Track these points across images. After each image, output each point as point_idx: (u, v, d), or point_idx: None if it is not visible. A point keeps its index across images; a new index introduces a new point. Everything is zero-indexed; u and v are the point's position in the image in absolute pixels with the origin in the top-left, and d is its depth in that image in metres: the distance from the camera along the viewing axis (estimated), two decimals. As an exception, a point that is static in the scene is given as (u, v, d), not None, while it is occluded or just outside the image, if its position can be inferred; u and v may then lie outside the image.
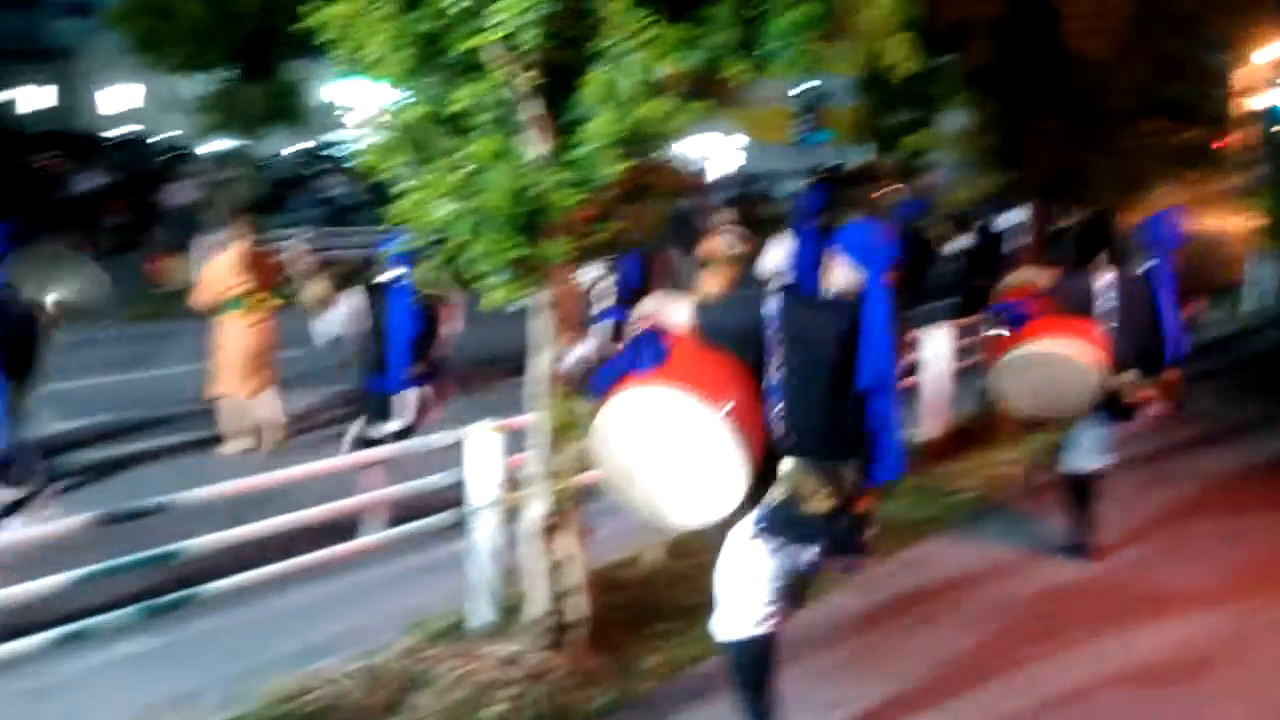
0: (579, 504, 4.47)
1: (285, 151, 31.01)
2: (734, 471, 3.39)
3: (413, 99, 4.00)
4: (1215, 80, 12.96)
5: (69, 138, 28.30)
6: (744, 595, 3.69)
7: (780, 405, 3.50)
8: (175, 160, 24.94)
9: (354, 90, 4.27)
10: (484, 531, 4.85)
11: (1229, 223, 13.98)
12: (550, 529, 4.39)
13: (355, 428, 6.38)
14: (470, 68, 3.89)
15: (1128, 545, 6.03)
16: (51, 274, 5.28)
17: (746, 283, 9.25)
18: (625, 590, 5.13)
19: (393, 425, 6.12)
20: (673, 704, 4.33)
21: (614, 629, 4.67)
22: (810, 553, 3.57)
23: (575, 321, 8.18)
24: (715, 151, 34.03)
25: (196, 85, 15.54)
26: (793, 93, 34.16)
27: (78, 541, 4.28)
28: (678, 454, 3.48)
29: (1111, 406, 5.46)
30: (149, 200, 20.87)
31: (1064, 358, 5.34)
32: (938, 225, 11.11)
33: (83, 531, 4.19)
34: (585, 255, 4.20)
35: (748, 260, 9.38)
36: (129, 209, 21.18)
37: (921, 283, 10.26)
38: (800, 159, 32.86)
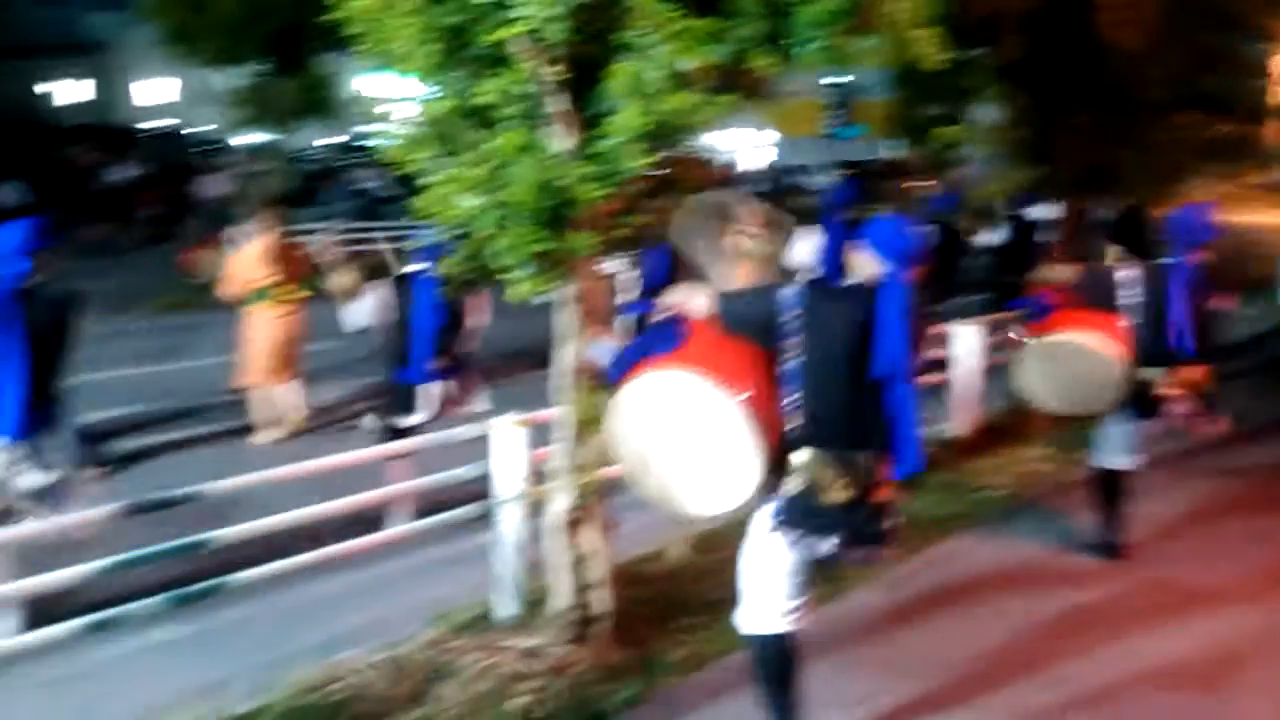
0: (603, 498, 4.47)
1: (317, 144, 31.27)
2: (749, 459, 3.36)
3: (439, 92, 4.01)
4: (1252, 72, 12.79)
5: (105, 130, 28.63)
6: (767, 589, 3.69)
7: (798, 394, 3.48)
8: (209, 153, 25.19)
9: (384, 84, 4.29)
10: (508, 524, 4.87)
11: (1265, 217, 13.78)
12: (574, 523, 4.40)
13: (368, 421, 6.43)
14: (496, 61, 3.89)
15: (1157, 543, 5.97)
16: None
17: (774, 275, 9.22)
18: (650, 584, 5.14)
19: (415, 418, 6.15)
20: (697, 699, 4.32)
21: (638, 623, 4.68)
22: (829, 543, 3.55)
23: (603, 315, 8.20)
24: (746, 145, 33.98)
25: (230, 79, 15.64)
26: (824, 85, 34.00)
27: (108, 530, 4.34)
28: (693, 440, 3.45)
29: (1138, 403, 5.40)
30: (183, 192, 21.12)
31: (1085, 349, 5.30)
32: (968, 219, 11.04)
33: (112, 520, 4.24)
34: (610, 249, 4.20)
35: (775, 253, 9.36)
36: (163, 201, 21.42)
37: (952, 277, 10.21)
38: (832, 153, 32.74)
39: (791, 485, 3.50)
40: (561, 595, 4.49)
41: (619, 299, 8.05)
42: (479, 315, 6.46)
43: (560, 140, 3.91)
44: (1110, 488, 5.79)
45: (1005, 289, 9.39)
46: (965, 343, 8.13)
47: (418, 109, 4.09)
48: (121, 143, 25.44)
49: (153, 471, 7.26)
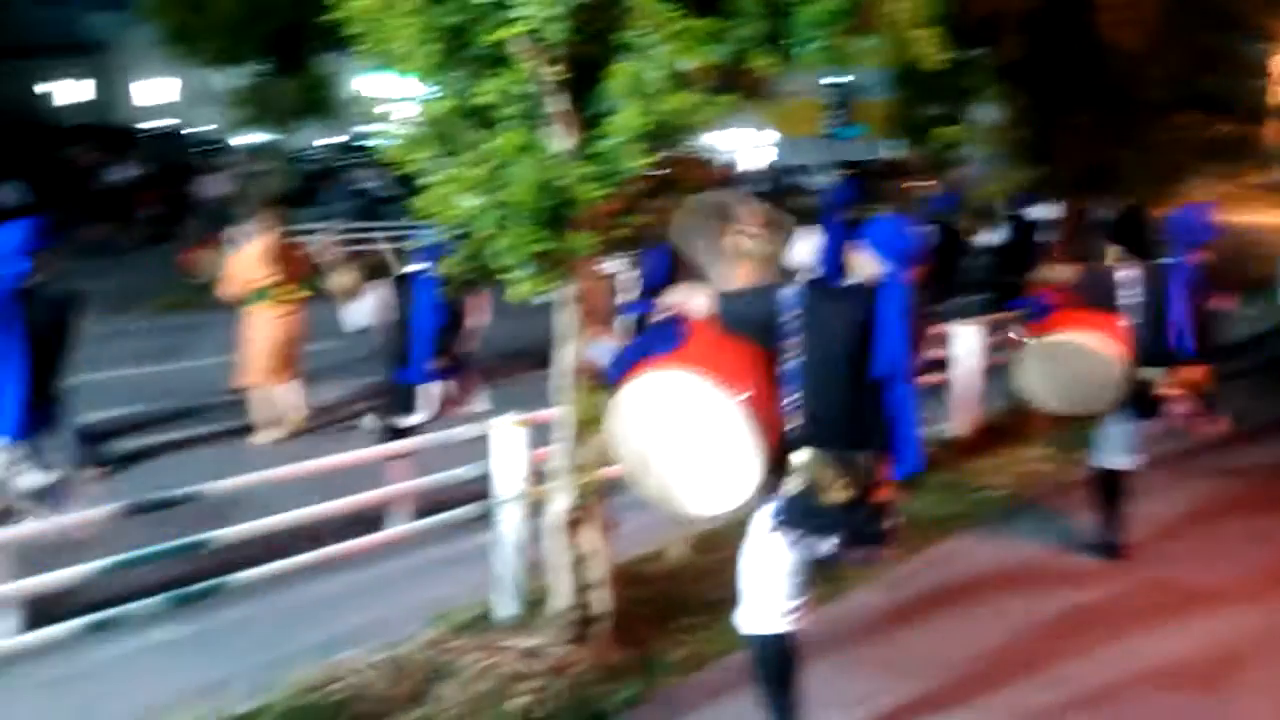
0: (603, 498, 4.47)
1: (318, 144, 31.27)
2: (749, 459, 3.36)
3: (439, 92, 4.01)
4: (1252, 72, 12.78)
5: (105, 130, 28.62)
6: (767, 589, 3.69)
7: (798, 394, 3.49)
8: (209, 153, 25.19)
9: (384, 84, 4.30)
10: (508, 525, 4.86)
11: (1265, 217, 13.77)
12: (574, 523, 4.40)
13: (369, 421, 6.43)
14: (496, 61, 3.89)
15: (1157, 543, 5.97)
16: None
17: (774, 276, 9.22)
18: (650, 585, 5.14)
19: (414, 418, 6.15)
20: (697, 699, 4.32)
21: (638, 623, 4.68)
22: (828, 543, 3.55)
23: (603, 315, 8.19)
24: (746, 145, 33.98)
25: (230, 79, 15.64)
26: (824, 85, 34.01)
27: (108, 530, 4.34)
28: (693, 439, 3.45)
29: (1138, 403, 5.40)
30: (183, 192, 21.12)
31: (1084, 349, 5.30)
32: (968, 219, 11.03)
33: (112, 520, 4.24)
34: (610, 249, 4.20)
35: (775, 254, 9.35)
36: (163, 201, 21.43)
37: (952, 277, 10.21)
38: (832, 153, 32.74)
39: (791, 485, 3.50)
40: (561, 595, 4.49)
41: (619, 299, 8.06)
42: (479, 315, 6.46)
43: (560, 140, 3.91)
44: (1110, 488, 5.79)
45: (1005, 289, 9.39)
46: (965, 343, 8.13)
47: (417, 109, 4.09)
48: (121, 143, 25.45)
49: (152, 471, 7.26)
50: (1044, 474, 7.27)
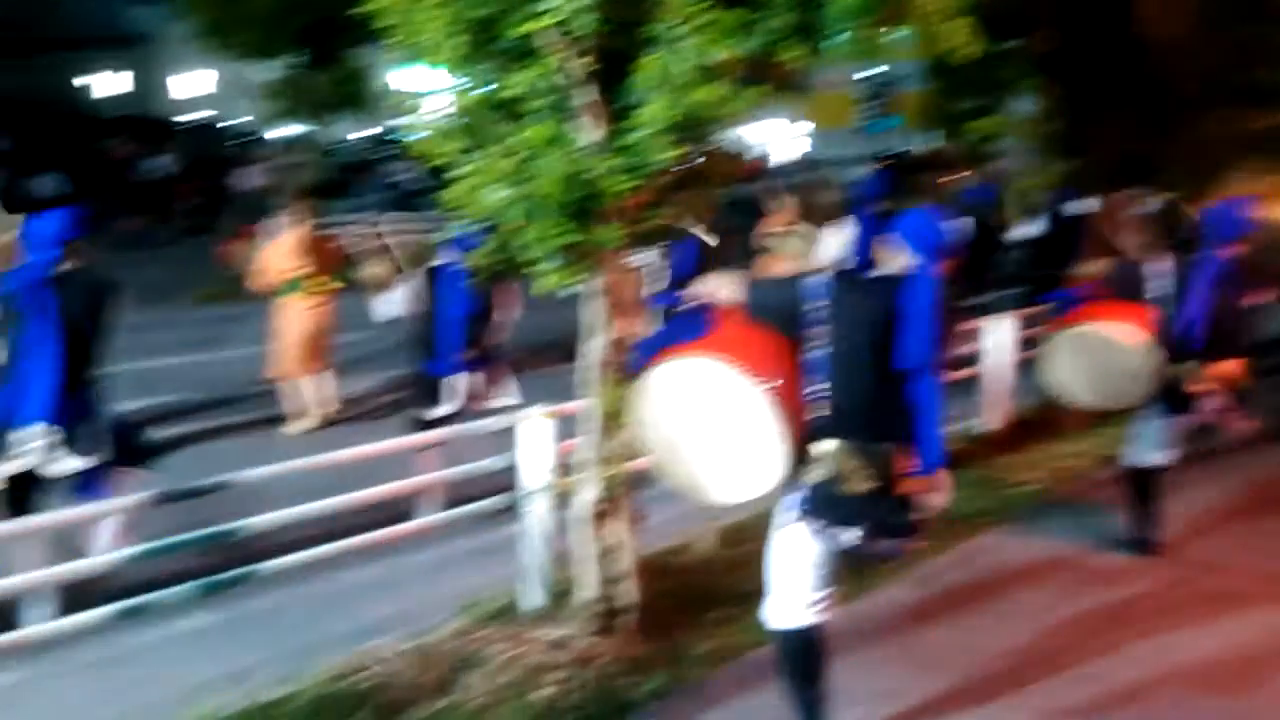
0: (630, 490, 4.47)
1: (352, 137, 31.41)
2: (774, 448, 3.37)
3: (467, 85, 4.02)
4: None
5: (143, 123, 28.89)
6: (793, 582, 3.68)
7: (823, 384, 3.47)
8: (245, 145, 25.37)
9: (417, 77, 4.32)
10: (535, 516, 4.88)
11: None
12: (601, 514, 4.40)
13: (410, 412, 6.45)
14: (525, 53, 3.90)
15: (1189, 541, 5.90)
16: None
17: (805, 268, 9.18)
18: (677, 577, 5.13)
19: (440, 410, 6.16)
20: (723, 692, 4.32)
21: (665, 615, 4.68)
22: (852, 534, 3.53)
23: (634, 306, 8.18)
24: (779, 137, 33.84)
25: (265, 72, 15.76)
26: (858, 78, 33.82)
27: (141, 517, 4.39)
28: (718, 428, 3.47)
29: (1169, 398, 5.35)
30: (220, 184, 21.29)
31: (1112, 340, 5.26)
32: (1003, 212, 10.92)
33: (144, 508, 4.29)
34: (638, 241, 4.20)
35: (807, 246, 9.31)
36: (200, 193, 21.61)
37: (985, 270, 10.11)
38: (866, 145, 32.54)
39: (814, 475, 3.49)
40: (588, 587, 4.50)
41: (648, 289, 8.06)
42: (509, 309, 6.47)
43: (588, 133, 3.91)
44: (1143, 484, 5.74)
45: (1042, 283, 9.28)
46: (997, 336, 8.06)
47: (447, 101, 4.10)
48: (160, 135, 25.67)
49: (186, 460, 7.32)
50: (1077, 470, 7.20)
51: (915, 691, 4.30)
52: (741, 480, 3.50)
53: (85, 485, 4.75)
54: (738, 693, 4.29)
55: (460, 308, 6.14)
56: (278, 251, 8.32)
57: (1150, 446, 5.64)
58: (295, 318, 8.20)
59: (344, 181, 24.37)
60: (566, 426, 4.81)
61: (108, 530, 4.69)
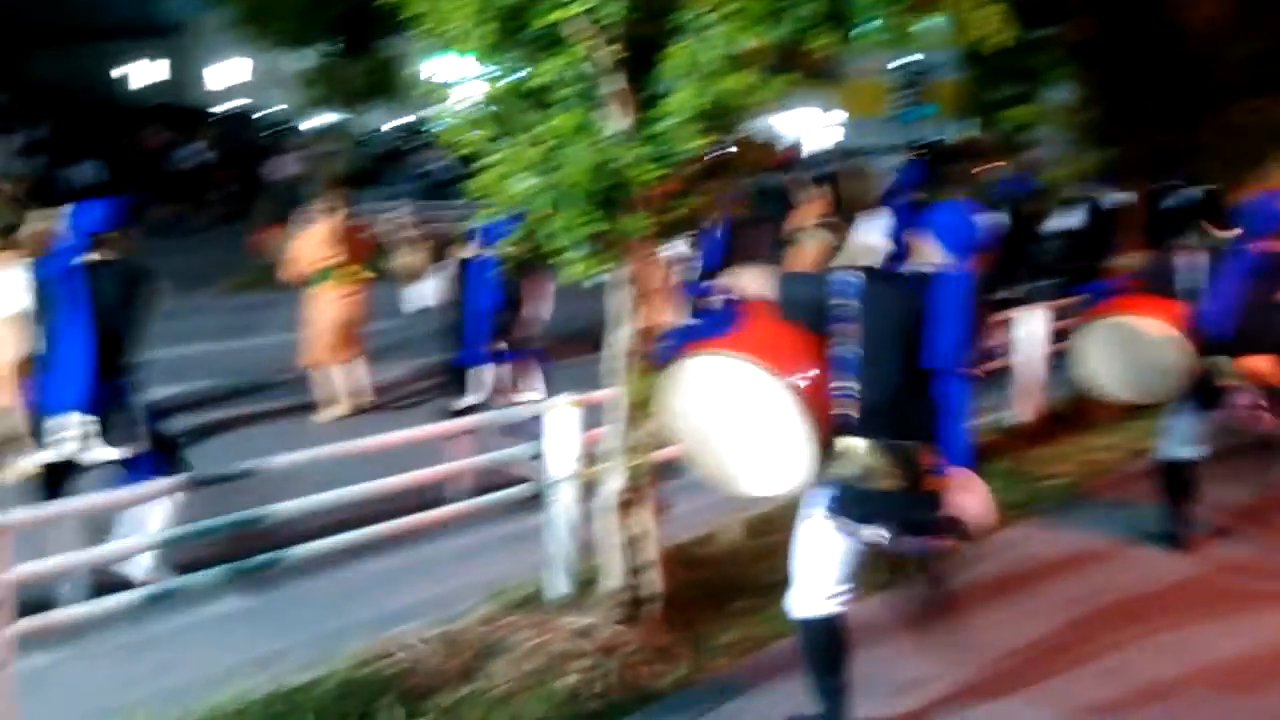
0: (655, 480, 4.47)
1: (385, 126, 31.54)
2: (800, 445, 3.36)
3: (495, 73, 4.02)
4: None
5: (179, 111, 29.10)
6: (816, 573, 3.68)
7: (852, 381, 3.46)
8: (279, 134, 25.52)
9: (449, 65, 4.33)
10: (561, 505, 4.89)
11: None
12: (626, 504, 4.40)
13: (442, 401, 6.46)
14: (552, 42, 3.89)
15: (1219, 539, 5.84)
16: None
17: (837, 258, 9.14)
18: (702, 567, 5.13)
19: (466, 400, 6.17)
20: (746, 682, 4.31)
21: (689, 605, 4.68)
22: (878, 532, 3.52)
23: (663, 296, 8.16)
24: (811, 126, 33.67)
25: (299, 60, 15.82)
26: (892, 66, 33.61)
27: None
28: (746, 423, 3.48)
29: (1201, 393, 5.28)
30: (253, 173, 21.44)
31: (1143, 333, 5.20)
32: (1039, 203, 10.81)
33: (175, 493, 4.33)
34: (666, 231, 4.18)
35: (839, 237, 9.26)
36: (234, 181, 21.77)
37: (1019, 263, 10.02)
38: (899, 134, 32.29)
39: (842, 472, 3.48)
40: (613, 576, 4.50)
41: (678, 279, 8.04)
42: (539, 302, 6.42)
43: (616, 121, 3.90)
44: (1174, 479, 5.68)
45: (1078, 274, 9.19)
46: (1028, 328, 7.99)
47: (476, 90, 4.11)
48: (195, 124, 25.86)
49: (218, 446, 7.40)
50: (1107, 463, 7.12)
51: (940, 683, 4.28)
52: (769, 475, 3.51)
53: (130, 475, 4.76)
54: (761, 683, 4.28)
55: (487, 299, 6.14)
56: (310, 241, 8.37)
57: (1181, 441, 5.58)
58: (326, 306, 8.24)
59: (377, 171, 24.49)
60: (595, 416, 4.80)
61: (146, 517, 4.72)
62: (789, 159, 28.06)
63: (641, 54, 3.90)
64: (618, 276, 4.23)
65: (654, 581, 4.48)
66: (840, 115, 34.66)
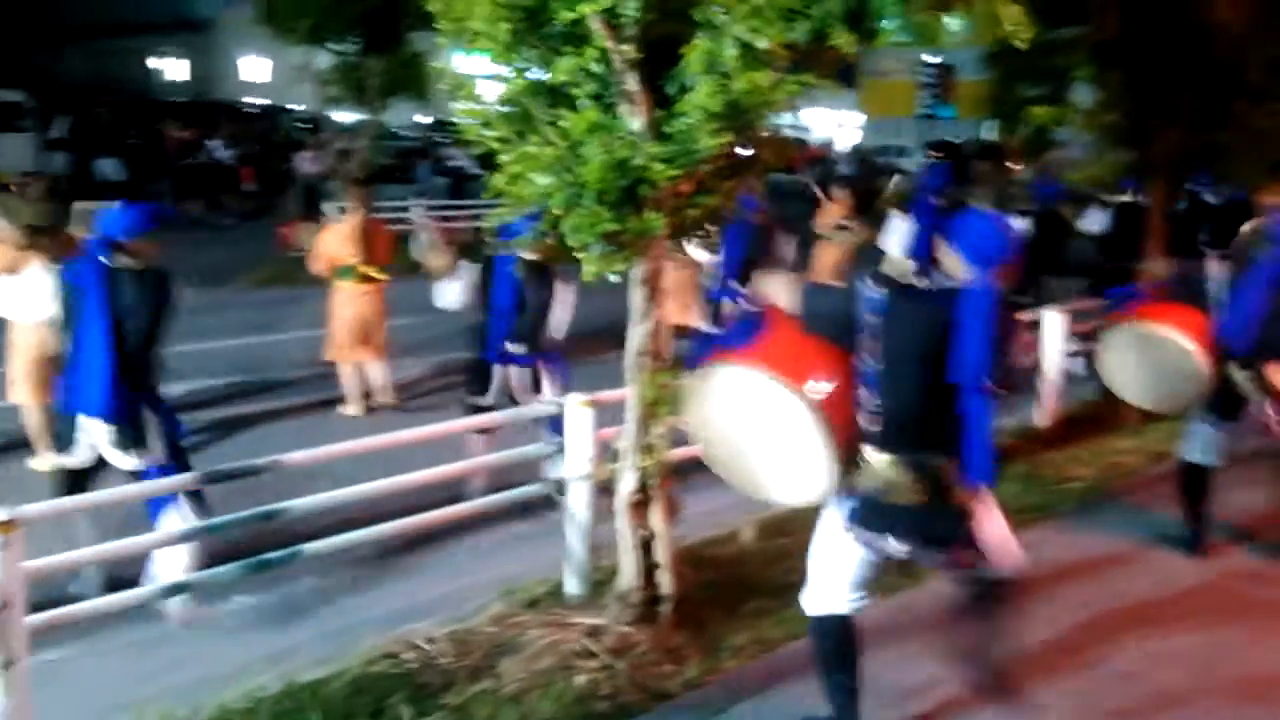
0: (668, 481, 4.45)
1: (412, 122, 31.67)
2: (820, 458, 3.37)
3: (512, 72, 4.01)
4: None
5: (206, 107, 29.32)
6: (833, 575, 3.68)
7: (875, 394, 3.44)
8: (306, 130, 25.66)
9: (472, 62, 4.32)
10: (576, 504, 4.88)
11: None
12: (638, 504, 4.39)
13: (468, 399, 6.44)
14: (570, 39, 3.88)
15: (1238, 546, 5.77)
16: None
17: (862, 262, 9.07)
18: (715, 568, 5.11)
19: (489, 399, 6.16)
20: (758, 683, 4.29)
21: (703, 606, 4.66)
22: (898, 544, 3.51)
23: (687, 299, 8.13)
24: (836, 126, 33.58)
25: (326, 56, 15.86)
26: (918, 65, 33.52)
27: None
28: (768, 434, 3.49)
29: (1222, 401, 5.23)
30: (279, 169, 21.58)
31: (1163, 340, 5.15)
32: (1070, 207, 10.69)
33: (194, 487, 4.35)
34: (681, 230, 4.16)
35: (864, 239, 9.20)
36: (260, 177, 21.93)
37: (1050, 270, 9.92)
38: (921, 133, 32.19)
39: (863, 484, 3.47)
40: (626, 575, 4.49)
41: (702, 283, 8.03)
42: (566, 303, 6.32)
43: (632, 120, 3.88)
44: (1195, 484, 5.63)
45: (1107, 276, 9.08)
46: (1049, 330, 7.93)
47: (493, 88, 4.10)
48: (222, 119, 26.05)
49: (239, 441, 7.44)
50: (1127, 466, 7.07)
51: (952, 685, 4.23)
52: (791, 485, 3.53)
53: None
54: (774, 684, 4.26)
55: (508, 297, 6.11)
56: (333, 237, 8.41)
57: (1202, 448, 5.53)
58: (350, 302, 8.28)
59: (403, 167, 24.60)
60: (615, 415, 4.78)
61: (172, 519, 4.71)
62: (810, 158, 28.01)
63: (658, 53, 3.87)
64: (633, 276, 4.22)
65: (666, 582, 4.47)
66: (860, 115, 34.57)
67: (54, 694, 3.88)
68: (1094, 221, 10.43)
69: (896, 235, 7.63)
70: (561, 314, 6.23)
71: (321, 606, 4.99)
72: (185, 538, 4.27)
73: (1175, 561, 5.57)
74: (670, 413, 4.35)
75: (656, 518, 4.41)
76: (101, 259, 4.74)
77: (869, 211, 8.60)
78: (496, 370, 6.20)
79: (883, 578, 3.92)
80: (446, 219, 13.65)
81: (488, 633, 4.47)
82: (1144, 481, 6.71)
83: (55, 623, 3.77)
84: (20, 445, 6.83)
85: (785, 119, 4.35)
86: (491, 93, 4.13)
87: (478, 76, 4.20)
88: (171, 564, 4.55)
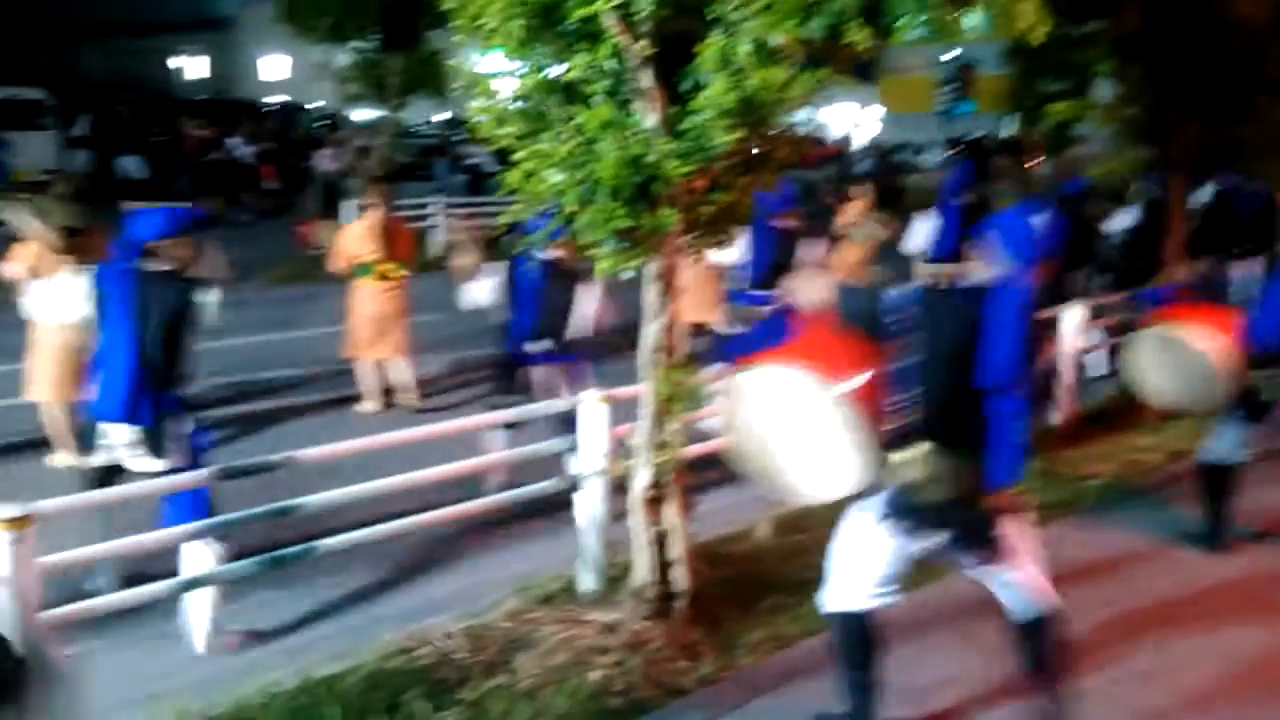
0: (683, 477, 4.45)
1: (432, 119, 31.76)
2: (854, 454, 3.35)
3: (526, 68, 4.02)
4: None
5: (226, 105, 29.47)
6: (857, 570, 3.66)
7: (909, 392, 3.43)
8: (325, 128, 25.76)
9: (489, 60, 4.32)
10: (591, 500, 4.88)
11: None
12: (652, 501, 4.39)
13: (496, 398, 6.44)
14: (583, 37, 3.88)
15: (1260, 544, 5.72)
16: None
17: (886, 259, 9.05)
18: (730, 564, 5.11)
19: (514, 397, 6.15)
20: (774, 679, 4.29)
21: (718, 602, 4.66)
22: (931, 540, 3.50)
23: (710, 299, 8.11)
24: (852, 121, 33.46)
25: (345, 55, 15.92)
26: (939, 61, 33.37)
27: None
28: (802, 431, 3.46)
29: (1248, 403, 5.20)
30: (299, 166, 21.67)
31: (1192, 343, 5.11)
32: (1097, 205, 10.61)
33: (209, 484, 4.36)
34: (695, 227, 4.16)
35: (885, 237, 9.15)
36: (280, 175, 22.02)
37: (1083, 269, 9.84)
38: (940, 130, 32.03)
39: (895, 479, 3.46)
40: (641, 571, 4.49)
41: (728, 286, 8.01)
42: (591, 303, 6.28)
43: (646, 116, 3.88)
44: (1217, 482, 5.60)
45: (1134, 273, 9.00)
46: (1068, 325, 7.88)
47: (508, 85, 4.10)
48: (242, 117, 26.18)
49: (258, 438, 7.47)
50: (1147, 464, 7.02)
51: (973, 681, 4.24)
52: (826, 480, 3.49)
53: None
54: (789, 681, 4.25)
55: (530, 296, 6.10)
56: (352, 235, 8.43)
57: (1227, 445, 5.50)
58: (369, 300, 8.29)
59: (421, 164, 24.67)
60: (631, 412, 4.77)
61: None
62: (826, 156, 27.91)
63: (672, 49, 3.88)
64: (647, 272, 4.21)
65: (681, 578, 4.47)
66: (879, 111, 34.44)
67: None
68: (1121, 223, 10.30)
69: (920, 235, 7.63)
70: (584, 312, 6.20)
71: (337, 602, 5.01)
72: (198, 534, 4.28)
73: (1196, 559, 5.54)
74: (684, 409, 4.35)
75: (671, 514, 4.41)
76: (131, 261, 4.74)
77: (891, 209, 8.58)
78: (531, 369, 6.18)
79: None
80: (466, 216, 13.64)
81: (503, 628, 4.49)
82: (1164, 479, 6.67)
83: (71, 618, 3.79)
84: (40, 443, 6.88)
85: (801, 115, 4.32)
86: (506, 90, 4.14)
87: (494, 74, 4.20)
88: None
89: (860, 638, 3.73)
